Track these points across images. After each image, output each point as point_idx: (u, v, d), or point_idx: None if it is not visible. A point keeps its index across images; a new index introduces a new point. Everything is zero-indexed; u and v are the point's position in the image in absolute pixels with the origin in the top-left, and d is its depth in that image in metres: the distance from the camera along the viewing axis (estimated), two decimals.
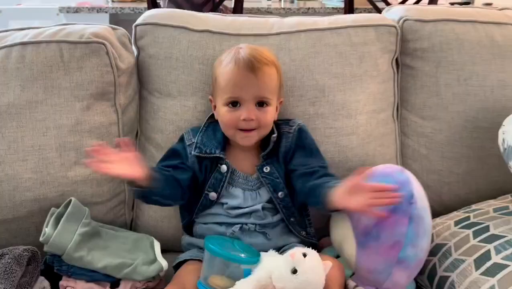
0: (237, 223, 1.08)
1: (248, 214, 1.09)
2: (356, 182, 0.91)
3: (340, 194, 0.93)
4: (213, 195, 1.09)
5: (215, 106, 1.13)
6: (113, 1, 3.22)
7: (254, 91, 1.05)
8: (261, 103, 1.07)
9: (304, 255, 0.91)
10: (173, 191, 1.07)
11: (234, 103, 1.06)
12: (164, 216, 1.24)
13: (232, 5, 2.67)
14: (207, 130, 1.14)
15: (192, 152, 1.11)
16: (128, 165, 0.95)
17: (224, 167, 1.09)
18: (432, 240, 1.12)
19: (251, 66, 1.04)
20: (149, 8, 2.50)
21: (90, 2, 3.30)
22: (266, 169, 1.10)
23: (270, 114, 1.08)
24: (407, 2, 2.85)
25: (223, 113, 1.08)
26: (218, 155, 1.10)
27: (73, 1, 3.28)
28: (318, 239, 1.19)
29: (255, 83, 1.05)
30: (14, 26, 1.30)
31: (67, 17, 2.90)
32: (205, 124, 1.16)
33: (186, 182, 1.09)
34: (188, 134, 1.16)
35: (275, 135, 1.11)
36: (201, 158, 1.11)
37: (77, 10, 2.89)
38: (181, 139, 1.16)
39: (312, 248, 0.98)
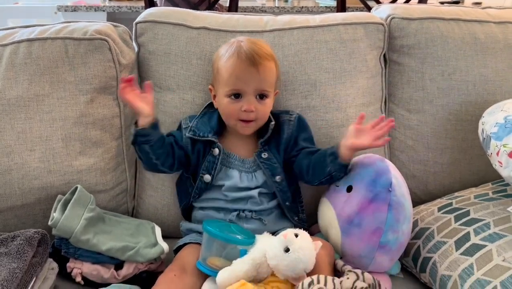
0: (234, 209, 1.14)
1: (245, 199, 1.14)
2: (356, 127, 1.06)
3: (348, 141, 1.07)
4: (207, 177, 1.15)
5: (214, 96, 1.19)
6: (110, 0, 3.26)
7: (256, 84, 1.11)
8: (261, 96, 1.13)
9: (296, 235, 0.97)
10: (164, 154, 1.15)
11: (236, 95, 1.12)
12: (164, 204, 1.30)
13: (227, 4, 2.72)
14: (203, 117, 1.21)
15: (186, 134, 1.17)
16: (145, 103, 1.10)
17: (216, 150, 1.15)
18: (417, 225, 1.19)
19: (253, 61, 1.09)
20: (146, 6, 2.54)
21: (85, 1, 3.34)
22: (264, 155, 1.16)
23: (268, 106, 1.15)
24: (398, 1, 2.91)
25: (225, 104, 1.13)
26: (210, 138, 1.16)
27: (69, 0, 3.32)
28: (309, 226, 1.25)
29: (257, 77, 1.10)
30: (12, 24, 1.35)
31: (65, 15, 2.93)
32: (202, 112, 1.22)
33: (179, 156, 1.18)
34: (186, 119, 1.22)
35: (273, 123, 1.17)
36: (194, 140, 1.17)
37: (75, 9, 2.92)
38: (179, 126, 1.23)
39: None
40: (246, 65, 1.10)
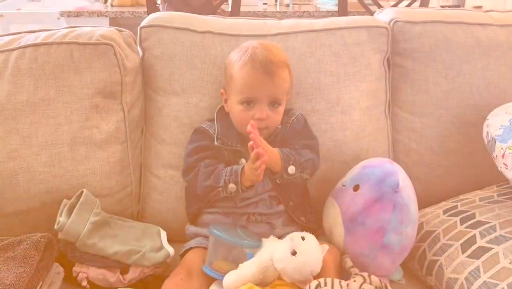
0: (244, 213, 1.13)
1: (255, 202, 1.14)
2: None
3: None
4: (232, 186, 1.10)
5: (226, 100, 1.18)
6: (112, 6, 3.27)
7: (269, 93, 1.10)
8: (273, 103, 1.13)
9: (303, 238, 0.98)
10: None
11: (248, 102, 1.12)
12: (169, 209, 1.30)
13: (230, 9, 2.73)
14: (221, 122, 1.18)
15: (215, 143, 1.15)
16: None
17: (243, 160, 1.13)
18: (422, 228, 1.19)
19: (268, 70, 1.09)
20: (149, 12, 2.55)
21: (86, 7, 3.35)
22: None
23: (280, 114, 1.15)
24: (399, 5, 2.92)
25: (237, 112, 1.13)
26: (239, 148, 1.14)
27: (71, 6, 3.32)
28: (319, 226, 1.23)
29: (270, 86, 1.10)
30: (15, 30, 1.36)
31: (68, 21, 2.93)
32: (217, 117, 1.20)
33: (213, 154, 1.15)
34: (206, 124, 1.19)
35: (280, 126, 1.17)
36: (222, 149, 1.15)
37: (77, 15, 2.93)
38: (202, 132, 1.19)
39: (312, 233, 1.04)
40: (260, 74, 1.09)
